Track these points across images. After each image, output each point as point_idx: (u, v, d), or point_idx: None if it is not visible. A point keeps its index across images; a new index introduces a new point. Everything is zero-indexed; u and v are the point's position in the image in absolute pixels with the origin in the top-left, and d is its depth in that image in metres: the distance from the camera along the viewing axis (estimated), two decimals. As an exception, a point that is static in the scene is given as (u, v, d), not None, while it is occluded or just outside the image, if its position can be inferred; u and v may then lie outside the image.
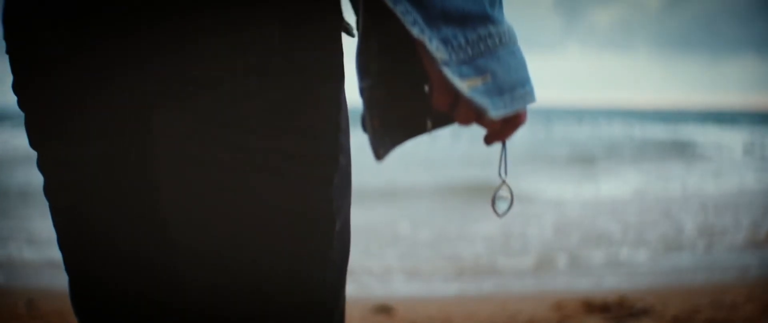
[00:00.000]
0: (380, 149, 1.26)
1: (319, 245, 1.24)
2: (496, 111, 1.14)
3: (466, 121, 1.19)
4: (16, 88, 1.28)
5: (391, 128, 1.26)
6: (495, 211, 1.28)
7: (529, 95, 1.18)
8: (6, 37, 1.28)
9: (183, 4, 1.13)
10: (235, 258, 1.21)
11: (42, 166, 1.32)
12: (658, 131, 36.81)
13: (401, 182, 10.86)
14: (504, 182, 1.28)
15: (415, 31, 1.11)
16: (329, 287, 1.28)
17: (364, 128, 1.26)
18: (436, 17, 1.11)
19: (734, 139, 30.21)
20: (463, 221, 8.47)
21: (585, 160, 18.45)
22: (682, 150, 22.73)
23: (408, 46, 1.17)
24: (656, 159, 19.33)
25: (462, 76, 1.12)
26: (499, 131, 1.21)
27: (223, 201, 1.19)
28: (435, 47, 1.11)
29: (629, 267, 6.49)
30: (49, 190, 1.32)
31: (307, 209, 1.22)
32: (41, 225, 7.56)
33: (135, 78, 1.17)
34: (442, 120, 1.25)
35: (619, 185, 13.03)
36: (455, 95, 1.16)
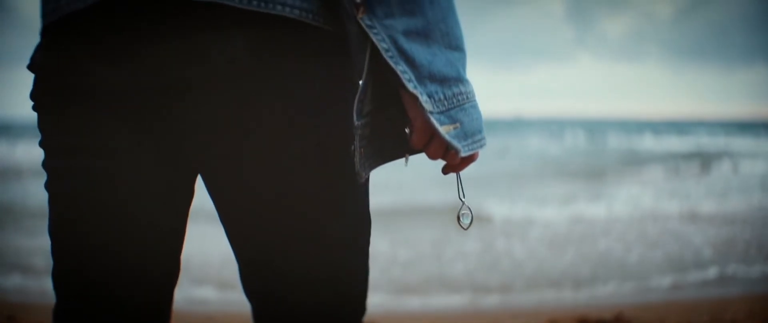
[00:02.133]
0: (362, 172, 1.54)
1: (367, 240, 1.70)
2: (464, 151, 1.50)
3: (435, 156, 1.53)
4: (47, 106, 1.57)
5: (371, 156, 1.56)
6: (460, 226, 1.66)
7: (484, 141, 1.56)
8: (42, 70, 1.55)
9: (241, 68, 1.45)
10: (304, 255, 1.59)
11: (57, 173, 1.57)
12: (671, 142, 36.49)
13: (385, 204, 10.68)
14: (463, 202, 1.66)
15: (409, 87, 1.45)
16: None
17: (353, 155, 1.55)
18: (424, 77, 1.46)
19: (748, 149, 29.91)
20: (451, 238, 8.31)
21: (593, 173, 18.17)
22: (695, 161, 22.50)
23: (393, 97, 1.53)
24: (667, 170, 19.05)
25: (441, 123, 1.47)
26: (458, 165, 1.57)
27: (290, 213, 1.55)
28: (424, 100, 1.46)
29: (628, 283, 6.31)
30: (60, 203, 1.58)
31: (364, 209, 1.67)
32: (25, 242, 7.47)
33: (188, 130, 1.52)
34: (413, 151, 1.61)
35: (625, 199, 12.75)
36: (431, 135, 1.51)
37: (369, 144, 1.55)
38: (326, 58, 1.53)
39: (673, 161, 22.37)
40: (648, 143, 36.60)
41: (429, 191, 12.53)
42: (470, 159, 1.57)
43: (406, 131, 1.57)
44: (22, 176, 15.70)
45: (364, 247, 1.69)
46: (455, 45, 1.52)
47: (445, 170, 1.59)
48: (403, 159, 1.64)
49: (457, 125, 1.51)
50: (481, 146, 1.56)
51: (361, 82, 1.51)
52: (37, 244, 7.54)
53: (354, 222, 1.65)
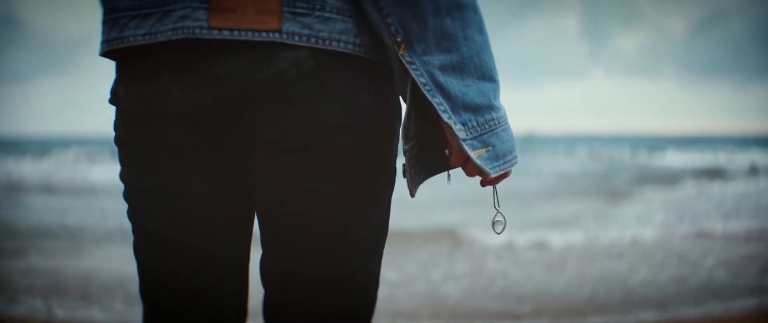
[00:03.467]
0: (413, 189, 1.77)
1: (379, 261, 1.87)
2: (494, 173, 1.70)
3: (472, 174, 1.73)
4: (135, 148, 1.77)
5: (418, 174, 1.77)
6: (495, 231, 1.86)
7: (515, 160, 1.75)
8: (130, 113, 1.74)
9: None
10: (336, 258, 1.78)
11: (135, 208, 1.81)
12: (685, 158, 36.18)
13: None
14: (498, 210, 1.85)
15: (444, 117, 1.65)
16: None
17: (404, 174, 1.75)
18: (458, 107, 1.65)
19: (764, 163, 29.58)
20: (447, 263, 8.06)
21: (607, 192, 17.87)
22: (710, 176, 22.22)
23: (434, 123, 1.72)
24: (681, 187, 18.76)
25: (473, 148, 1.67)
26: (492, 181, 1.75)
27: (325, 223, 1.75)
28: (458, 128, 1.65)
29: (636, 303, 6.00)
30: (139, 215, 1.82)
31: (385, 220, 1.85)
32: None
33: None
34: (447, 168, 1.80)
35: (642, 218, 12.45)
36: (467, 157, 1.70)
37: (416, 163, 1.76)
38: (377, 77, 1.71)
39: (690, 177, 22.07)
40: (663, 158, 36.31)
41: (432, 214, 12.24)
42: (504, 175, 1.76)
43: (446, 152, 1.76)
44: (31, 192, 15.54)
45: (381, 253, 1.87)
46: (488, 76, 1.70)
47: (483, 184, 1.78)
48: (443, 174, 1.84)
49: (489, 148, 1.70)
50: (513, 165, 1.76)
51: (404, 110, 1.74)
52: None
53: (378, 228, 1.83)
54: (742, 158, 34.71)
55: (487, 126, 1.71)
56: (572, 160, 35.58)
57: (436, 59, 1.65)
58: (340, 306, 1.81)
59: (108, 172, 18.14)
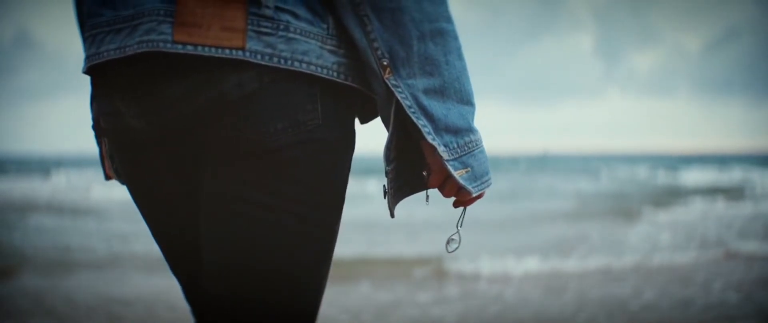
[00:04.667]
0: (393, 208, 1.83)
1: (322, 272, 1.85)
2: (476, 191, 1.80)
3: (449, 195, 1.83)
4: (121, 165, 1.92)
5: (395, 195, 1.83)
6: (447, 249, 1.92)
7: (490, 181, 1.84)
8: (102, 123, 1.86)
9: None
10: (266, 273, 1.77)
11: (131, 193, 1.95)
12: (700, 177, 35.93)
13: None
14: (458, 230, 1.90)
15: (429, 139, 1.73)
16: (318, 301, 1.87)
17: (384, 195, 1.82)
18: (441, 129, 1.74)
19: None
20: (438, 288, 7.86)
21: (618, 213, 17.63)
22: (724, 196, 21.97)
23: (415, 145, 1.80)
24: (694, 207, 18.51)
25: (455, 168, 1.76)
26: (467, 202, 1.84)
27: (259, 235, 1.75)
28: (442, 150, 1.74)
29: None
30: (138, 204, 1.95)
31: (318, 244, 1.82)
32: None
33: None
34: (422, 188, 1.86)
35: (646, 240, 12.18)
36: (445, 177, 1.80)
37: (395, 183, 1.82)
38: (335, 99, 1.75)
39: (703, 197, 21.82)
40: (677, 178, 36.09)
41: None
42: (478, 196, 1.84)
43: (424, 174, 1.82)
44: (41, 212, 15.43)
45: (324, 264, 1.86)
46: (467, 100, 1.78)
47: (456, 205, 1.86)
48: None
49: (469, 169, 1.78)
50: (488, 186, 1.84)
51: (388, 132, 1.77)
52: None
53: (319, 243, 1.82)
54: (757, 177, 34.46)
55: (466, 148, 1.78)
56: (585, 180, 35.52)
57: (420, 83, 1.73)
58: (276, 314, 1.83)
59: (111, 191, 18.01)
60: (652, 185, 30.41)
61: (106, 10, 1.72)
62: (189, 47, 1.62)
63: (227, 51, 1.63)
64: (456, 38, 1.76)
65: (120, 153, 1.88)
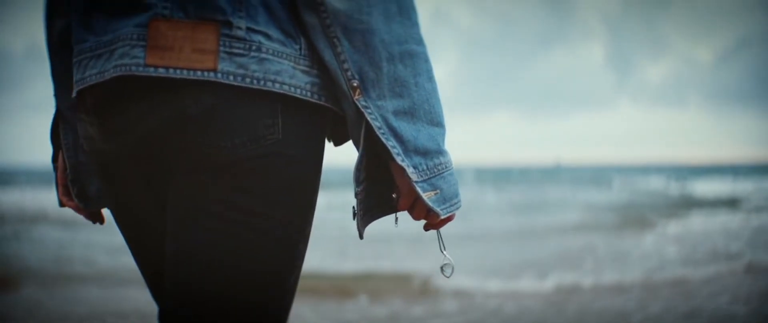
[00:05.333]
0: (362, 230, 1.84)
1: (282, 284, 1.84)
2: (444, 213, 1.80)
3: (418, 217, 1.84)
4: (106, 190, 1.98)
5: (364, 216, 1.84)
6: (444, 275, 1.94)
7: (459, 203, 1.85)
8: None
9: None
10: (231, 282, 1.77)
11: (115, 217, 2.00)
12: (710, 187, 35.75)
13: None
14: (445, 255, 1.93)
15: (398, 160, 1.74)
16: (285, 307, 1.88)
17: (353, 216, 1.82)
18: (410, 151, 1.75)
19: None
20: (435, 303, 7.73)
21: (627, 224, 17.51)
22: (738, 206, 21.83)
23: (385, 167, 1.82)
24: (703, 218, 18.37)
25: (424, 191, 1.76)
26: (437, 224, 1.85)
27: (223, 246, 1.75)
28: (411, 171, 1.75)
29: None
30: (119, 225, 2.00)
31: (274, 261, 1.81)
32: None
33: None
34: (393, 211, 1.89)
35: (651, 252, 12.04)
36: (414, 199, 1.82)
37: (365, 205, 1.82)
38: (303, 117, 1.77)
39: (712, 207, 21.68)
40: (688, 188, 35.92)
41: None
42: (448, 219, 1.85)
43: (393, 196, 1.84)
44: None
45: (286, 284, 1.86)
46: (437, 121, 1.78)
47: (427, 228, 1.87)
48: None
49: (438, 191, 1.78)
50: (458, 208, 1.84)
51: (358, 153, 1.77)
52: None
53: (286, 256, 1.82)
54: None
55: (436, 170, 1.79)
56: (597, 191, 35.40)
57: (390, 104, 1.74)
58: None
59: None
60: (664, 196, 30.32)
61: (89, 35, 1.77)
62: (161, 70, 1.66)
63: (199, 73, 1.66)
64: (426, 61, 1.78)
65: (99, 176, 1.94)
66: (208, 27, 1.67)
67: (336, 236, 12.62)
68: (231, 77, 1.67)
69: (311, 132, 1.80)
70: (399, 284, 8.63)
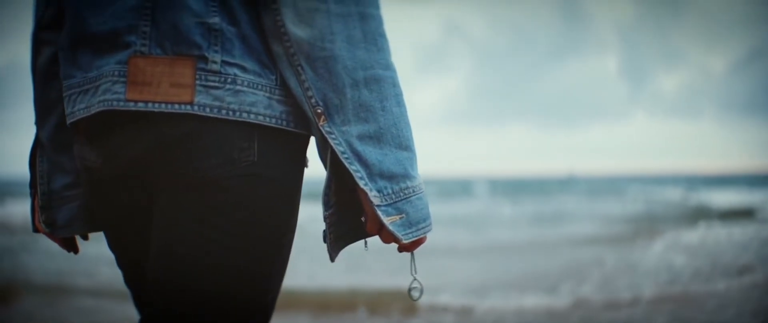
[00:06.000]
0: (333, 254, 1.90)
1: (256, 302, 1.91)
2: (406, 239, 1.83)
3: (387, 241, 1.86)
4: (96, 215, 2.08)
5: (338, 240, 1.90)
6: (411, 297, 1.96)
7: (429, 227, 1.87)
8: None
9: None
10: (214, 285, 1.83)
11: (107, 240, 2.09)
12: (724, 198, 35.53)
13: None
14: (415, 278, 1.95)
15: (361, 184, 1.78)
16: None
17: (325, 240, 1.88)
18: (375, 175, 1.79)
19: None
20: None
21: (637, 235, 17.34)
22: (750, 216, 21.65)
23: (353, 190, 1.84)
24: (715, 228, 18.19)
25: (388, 214, 1.80)
26: (408, 247, 1.87)
27: (206, 257, 1.82)
28: (373, 195, 1.79)
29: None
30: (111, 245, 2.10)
31: (255, 267, 1.88)
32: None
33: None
34: (367, 235, 1.92)
35: (658, 265, 11.87)
36: (381, 224, 1.82)
37: (337, 229, 1.87)
38: (279, 144, 1.84)
39: (725, 218, 21.52)
40: (701, 198, 35.72)
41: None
42: (419, 242, 1.87)
43: (362, 219, 1.86)
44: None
45: (261, 301, 1.92)
46: (405, 145, 1.81)
47: (399, 250, 1.89)
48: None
49: (403, 215, 1.81)
50: (426, 232, 1.87)
51: (325, 177, 1.82)
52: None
53: (256, 282, 1.89)
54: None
55: (402, 194, 1.82)
56: (610, 202, 35.24)
57: (355, 129, 1.77)
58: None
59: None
60: (678, 207, 30.14)
61: (76, 71, 1.88)
62: (140, 104, 1.76)
63: (176, 106, 1.75)
64: (394, 85, 1.81)
65: (91, 195, 2.02)
66: (185, 62, 1.76)
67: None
68: (207, 109, 1.76)
69: (288, 155, 1.87)
70: (397, 298, 8.51)
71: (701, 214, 24.39)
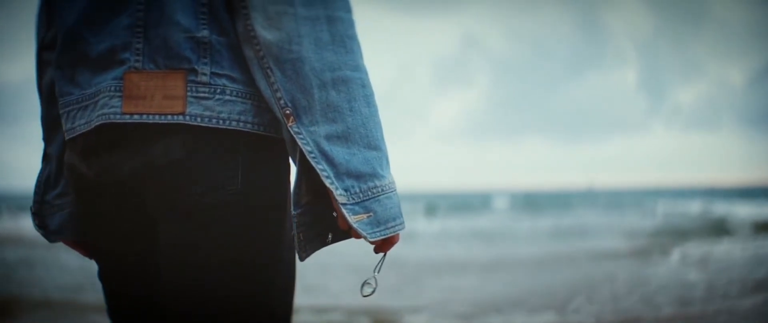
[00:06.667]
0: (303, 254, 1.90)
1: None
2: (373, 237, 1.84)
3: (358, 238, 1.88)
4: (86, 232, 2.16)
5: (310, 241, 1.91)
6: (362, 293, 1.97)
7: (399, 226, 1.89)
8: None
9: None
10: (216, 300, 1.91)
11: (98, 263, 2.16)
12: (746, 210, 35.25)
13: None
14: (374, 275, 1.95)
15: (327, 183, 1.81)
16: None
17: (294, 241, 1.89)
18: (342, 174, 1.82)
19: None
20: None
21: (654, 248, 17.16)
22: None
23: (325, 189, 1.87)
24: (734, 242, 17.97)
25: (355, 213, 1.83)
26: (380, 246, 1.91)
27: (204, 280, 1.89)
28: (339, 194, 1.82)
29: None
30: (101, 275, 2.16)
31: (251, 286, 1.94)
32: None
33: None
34: (342, 236, 1.95)
35: (670, 280, 11.67)
36: (349, 221, 1.84)
37: (309, 230, 1.90)
38: (268, 154, 1.93)
39: (746, 231, 21.30)
40: (719, 211, 35.47)
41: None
42: (391, 241, 1.90)
43: (334, 215, 1.92)
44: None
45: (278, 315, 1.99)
46: (374, 145, 1.85)
47: (376, 251, 1.91)
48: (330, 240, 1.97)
49: (370, 214, 1.84)
50: (396, 231, 1.88)
51: (294, 178, 1.87)
52: None
53: (253, 307, 1.94)
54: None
55: (370, 192, 1.84)
56: (628, 215, 35.05)
57: (322, 129, 1.81)
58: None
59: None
60: (697, 220, 29.93)
61: (74, 89, 1.97)
62: (136, 117, 1.84)
63: (169, 117, 1.83)
64: (364, 86, 1.84)
65: (80, 205, 2.09)
66: (176, 75, 1.84)
67: (350, 268, 12.41)
68: (198, 119, 1.84)
69: (276, 174, 1.96)
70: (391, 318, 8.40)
71: (721, 228, 24.21)
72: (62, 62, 1.99)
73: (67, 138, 2.03)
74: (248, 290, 1.94)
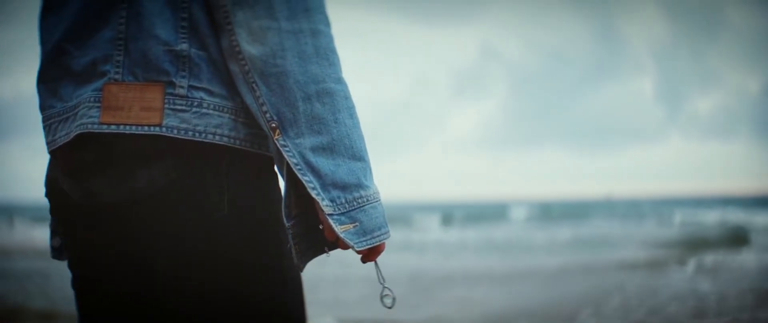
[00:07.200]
0: (300, 264, 1.93)
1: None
2: (359, 246, 1.87)
3: (344, 248, 1.92)
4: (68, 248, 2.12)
5: (305, 251, 1.94)
6: (384, 305, 1.97)
7: (385, 235, 1.92)
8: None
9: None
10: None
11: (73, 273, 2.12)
12: (764, 219, 35.01)
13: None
14: (384, 286, 1.97)
15: (313, 194, 1.84)
16: None
17: (290, 251, 1.92)
18: (328, 185, 1.84)
19: None
20: None
21: (681, 257, 17.01)
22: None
23: (312, 200, 1.89)
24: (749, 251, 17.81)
25: (341, 223, 1.85)
26: (367, 255, 1.93)
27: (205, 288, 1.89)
28: (325, 204, 1.84)
29: None
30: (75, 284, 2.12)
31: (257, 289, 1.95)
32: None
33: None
34: (334, 247, 1.97)
35: (683, 290, 11.54)
36: (336, 232, 1.86)
37: (303, 240, 1.94)
38: (249, 169, 1.94)
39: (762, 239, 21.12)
40: (736, 219, 35.25)
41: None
42: (377, 250, 1.94)
43: (320, 227, 1.94)
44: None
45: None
46: (358, 156, 1.89)
47: (363, 261, 1.95)
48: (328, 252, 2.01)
49: (356, 224, 1.88)
50: (382, 240, 1.92)
51: (283, 190, 1.91)
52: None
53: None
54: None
55: (355, 203, 1.87)
56: (646, 224, 34.86)
57: (308, 141, 1.84)
58: None
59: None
60: (715, 229, 29.71)
61: (57, 102, 1.99)
62: (113, 127, 1.84)
63: (146, 128, 1.84)
64: (346, 98, 1.87)
65: (63, 225, 2.09)
66: (155, 87, 1.86)
67: (366, 281, 12.33)
68: (175, 131, 1.84)
69: (260, 191, 1.97)
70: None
71: (741, 237, 24.03)
72: (46, 77, 2.02)
73: (49, 150, 2.03)
74: (259, 310, 1.96)
